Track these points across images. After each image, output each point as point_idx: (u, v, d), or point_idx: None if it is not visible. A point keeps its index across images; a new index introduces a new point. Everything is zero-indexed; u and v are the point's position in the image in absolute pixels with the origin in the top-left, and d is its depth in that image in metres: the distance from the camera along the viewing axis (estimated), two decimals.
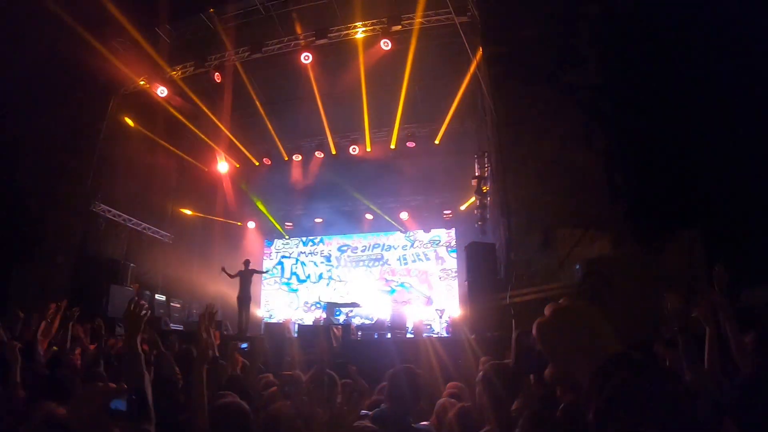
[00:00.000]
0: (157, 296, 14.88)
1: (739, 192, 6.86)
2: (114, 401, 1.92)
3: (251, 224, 19.60)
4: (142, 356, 2.89)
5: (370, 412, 3.62)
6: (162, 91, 13.62)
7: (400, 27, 12.01)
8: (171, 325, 13.95)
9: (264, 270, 16.97)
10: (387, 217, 18.39)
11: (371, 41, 12.40)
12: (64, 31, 10.32)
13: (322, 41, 12.48)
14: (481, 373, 3.74)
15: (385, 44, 12.18)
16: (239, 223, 19.54)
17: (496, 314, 10.26)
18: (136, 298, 3.14)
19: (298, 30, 12.43)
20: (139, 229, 15.66)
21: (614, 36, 8.11)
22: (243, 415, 3.01)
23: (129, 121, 14.38)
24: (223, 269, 13.88)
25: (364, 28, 12.32)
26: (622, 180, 8.02)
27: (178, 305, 15.45)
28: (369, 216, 18.77)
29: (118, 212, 14.62)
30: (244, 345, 10.87)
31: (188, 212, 17.23)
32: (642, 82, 7.93)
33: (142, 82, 13.55)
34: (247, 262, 14.23)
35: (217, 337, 5.50)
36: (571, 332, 1.18)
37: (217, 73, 13.53)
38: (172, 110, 14.31)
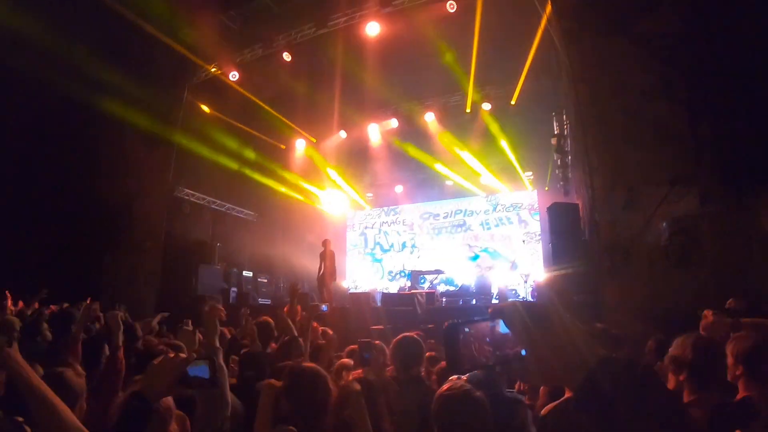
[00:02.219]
0: (244, 273, 15.56)
1: None
2: (192, 368, 1.97)
3: (331, 197, 19.87)
4: (221, 351, 3.27)
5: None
6: (234, 76, 13.96)
7: None
8: (259, 300, 14.60)
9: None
10: (467, 182, 18.16)
11: (435, 6, 12.09)
12: (134, 29, 10.77)
13: (387, 10, 12.30)
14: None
15: (451, 6, 11.85)
16: (320, 196, 19.86)
17: (582, 277, 10.01)
18: (213, 303, 3.31)
19: (362, 1, 12.31)
20: (223, 209, 16.34)
21: None
22: (320, 379, 3.03)
23: (205, 108, 14.95)
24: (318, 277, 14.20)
25: None
26: (708, 132, 7.46)
27: (265, 280, 16.09)
28: (449, 182, 18.62)
29: (201, 195, 15.32)
30: (325, 307, 11.28)
31: (269, 191, 17.72)
32: (721, 28, 7.29)
33: (213, 69, 13.95)
34: (325, 242, 14.55)
35: (299, 312, 5.66)
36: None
37: (285, 53, 13.71)
38: (244, 93, 14.66)
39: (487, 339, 1.28)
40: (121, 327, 3.99)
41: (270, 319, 5.75)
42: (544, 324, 1.14)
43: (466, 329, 1.28)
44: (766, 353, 2.70)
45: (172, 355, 1.99)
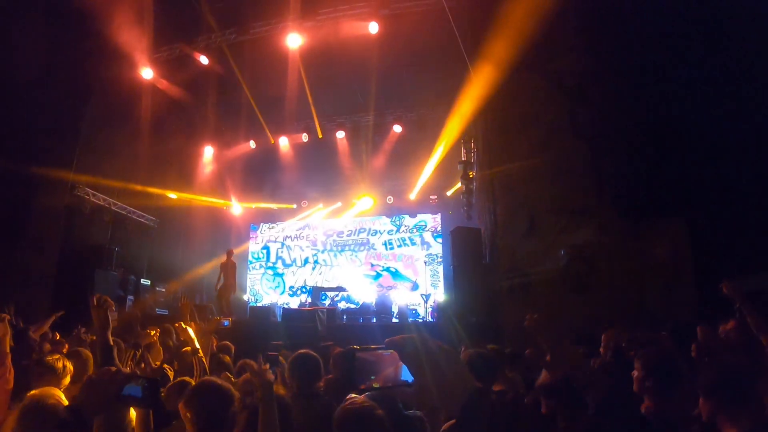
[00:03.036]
0: (142, 281, 14.80)
1: (724, 181, 6.94)
2: (128, 388, 1.91)
3: (236, 208, 19.48)
4: (115, 349, 3.06)
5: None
6: (148, 73, 13.38)
7: (387, 10, 11.90)
8: (157, 309, 13.93)
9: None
10: (373, 201, 18.37)
11: (359, 25, 12.25)
12: (45, 7, 10.11)
13: (309, 23, 12.34)
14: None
15: (373, 27, 12.07)
16: (224, 206, 19.42)
17: (481, 299, 10.39)
18: (99, 295, 3.04)
19: (286, 12, 12.25)
20: (124, 213, 15.49)
21: (601, 24, 8.10)
22: (225, 393, 2.98)
23: (115, 104, 14.08)
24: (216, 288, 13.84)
25: (352, 11, 12.18)
26: (608, 167, 8.07)
27: (163, 290, 15.38)
28: (355, 200, 18.75)
29: (103, 196, 14.44)
30: (226, 323, 10.95)
31: (173, 196, 17.03)
32: (628, 70, 7.95)
33: (127, 64, 13.31)
34: (229, 253, 14.21)
35: (194, 328, 5.47)
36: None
37: (203, 55, 13.34)
38: (157, 92, 14.08)
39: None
40: (8, 332, 3.71)
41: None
42: (430, 361, 1.32)
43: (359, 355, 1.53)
44: (672, 363, 2.92)
45: (113, 369, 1.98)
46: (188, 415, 2.76)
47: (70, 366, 3.76)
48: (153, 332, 5.43)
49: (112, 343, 3.12)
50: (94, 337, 5.65)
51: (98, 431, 2.62)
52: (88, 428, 1.79)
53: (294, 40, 12.49)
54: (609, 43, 8.04)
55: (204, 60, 13.45)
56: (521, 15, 8.20)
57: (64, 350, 5.14)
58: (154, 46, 13.11)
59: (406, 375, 1.54)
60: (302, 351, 4.27)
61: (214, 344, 5.66)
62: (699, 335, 3.84)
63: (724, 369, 2.47)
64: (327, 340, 8.76)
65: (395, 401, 3.03)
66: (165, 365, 4.43)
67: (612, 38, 8.03)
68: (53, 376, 3.56)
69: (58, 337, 5.74)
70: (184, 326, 4.60)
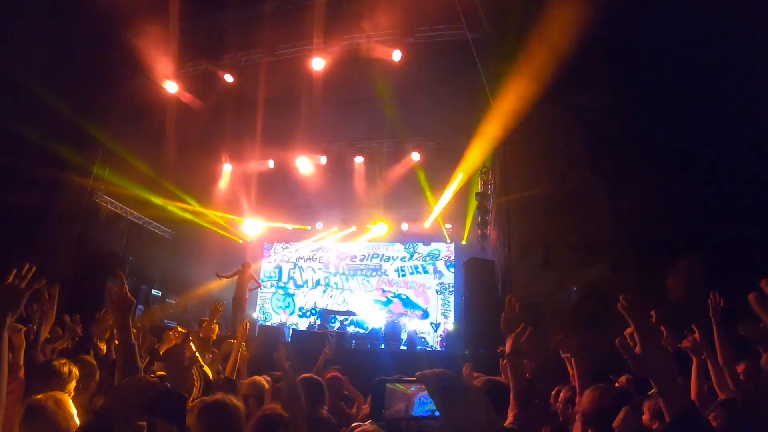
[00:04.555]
0: (153, 291, 14.88)
1: (742, 223, 6.87)
2: (158, 400, 1.82)
3: (251, 226, 19.54)
4: (136, 347, 2.63)
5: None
6: (172, 87, 13.61)
7: (412, 39, 12.05)
8: (165, 321, 13.95)
9: (259, 283, 16.48)
10: (388, 227, 18.36)
11: (382, 52, 12.40)
12: (75, 15, 10.32)
13: (334, 48, 12.51)
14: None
15: (397, 55, 12.21)
16: (239, 223, 19.51)
17: (492, 331, 10.26)
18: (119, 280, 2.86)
19: (312, 36, 12.45)
20: (139, 222, 15.64)
21: (626, 60, 8.14)
22: (233, 412, 2.96)
23: (138, 115, 14.33)
24: (218, 274, 13.95)
25: (376, 38, 12.35)
26: (626, 204, 8.03)
27: (173, 302, 15.44)
28: (369, 225, 18.75)
29: (121, 204, 14.63)
30: None
31: (190, 210, 17.18)
32: (649, 107, 7.95)
33: (153, 77, 13.55)
34: (245, 264, 14.30)
35: (215, 332, 5.46)
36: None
37: (228, 74, 13.56)
38: (179, 108, 14.30)
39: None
40: (24, 345, 3.81)
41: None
42: (457, 398, 1.35)
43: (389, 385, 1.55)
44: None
45: (143, 377, 1.91)
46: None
47: (76, 371, 3.78)
48: (173, 334, 5.40)
49: (134, 341, 2.71)
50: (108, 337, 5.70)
51: None
52: None
53: (318, 64, 12.65)
54: (630, 79, 8.07)
55: (229, 78, 13.67)
56: (544, 48, 8.26)
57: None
58: (180, 61, 13.36)
59: (417, 410, 1.56)
60: (306, 375, 4.26)
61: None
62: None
63: None
64: (335, 364, 8.71)
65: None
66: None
67: (634, 74, 8.06)
68: (59, 380, 3.58)
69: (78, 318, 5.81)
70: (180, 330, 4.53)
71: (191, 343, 4.28)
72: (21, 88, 10.53)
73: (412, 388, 1.58)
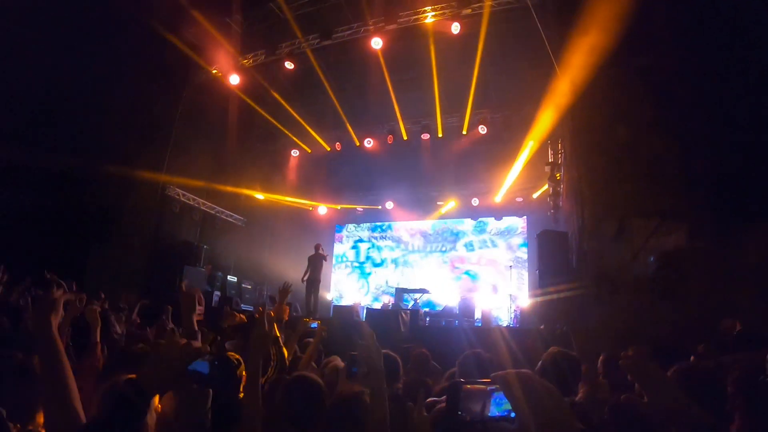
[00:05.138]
0: (229, 277, 15.46)
1: None
2: (196, 363, 1.78)
3: (322, 209, 19.91)
4: (199, 334, 2.90)
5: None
6: (234, 79, 13.95)
7: (470, 10, 11.75)
8: (242, 305, 14.47)
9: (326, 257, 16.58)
10: (457, 203, 18.21)
11: (441, 25, 12.20)
12: (138, 24, 10.73)
13: (391, 26, 12.41)
14: (540, 363, 3.70)
15: (455, 28, 11.97)
16: (310, 208, 19.91)
17: (567, 303, 10.04)
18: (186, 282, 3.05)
19: (368, 16, 12.41)
20: (212, 212, 16.25)
21: (691, 18, 7.62)
22: (317, 389, 3.04)
23: (203, 109, 14.86)
24: (302, 280, 14.20)
25: (433, 12, 12.15)
26: (699, 168, 7.58)
27: (249, 286, 15.98)
28: (440, 202, 18.65)
29: (192, 196, 15.26)
30: (314, 324, 11.19)
31: (260, 197, 17.66)
32: (719, 66, 7.43)
33: (214, 71, 13.95)
34: (317, 246, 14.56)
35: (287, 312, 5.58)
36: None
37: (288, 61, 13.75)
38: (244, 97, 14.66)
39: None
40: (99, 323, 3.94)
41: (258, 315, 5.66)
42: (534, 399, 1.33)
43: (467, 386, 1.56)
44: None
45: (183, 341, 1.80)
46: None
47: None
48: (237, 316, 5.56)
49: (196, 328, 3.02)
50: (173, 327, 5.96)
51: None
52: (146, 404, 1.65)
53: (376, 43, 12.60)
54: (697, 37, 7.55)
55: (289, 65, 13.85)
56: (607, 9, 7.86)
57: (149, 336, 5.47)
58: (240, 53, 13.67)
59: (494, 410, 1.56)
60: (383, 351, 4.29)
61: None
62: None
63: None
64: (410, 342, 8.78)
65: None
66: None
67: (700, 31, 7.54)
68: (138, 365, 3.75)
69: (139, 321, 6.06)
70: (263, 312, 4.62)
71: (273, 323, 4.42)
72: (89, 89, 11.12)
73: (489, 388, 1.55)
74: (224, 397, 3.03)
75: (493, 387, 1.52)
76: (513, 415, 1.44)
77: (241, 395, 2.77)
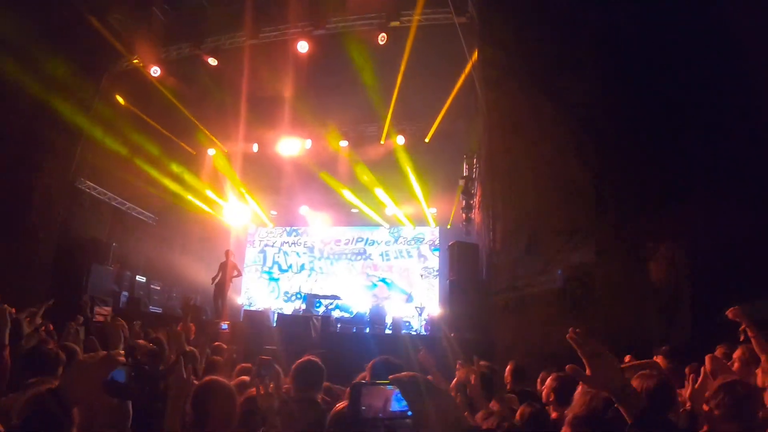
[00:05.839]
0: (137, 277, 14.76)
1: (724, 206, 6.95)
2: (114, 372, 1.79)
3: (235, 211, 19.44)
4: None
5: None
6: (155, 71, 13.38)
7: (398, 23, 11.93)
8: (150, 307, 13.89)
9: (240, 272, 16.21)
10: (372, 211, 18.37)
11: (368, 34, 12.30)
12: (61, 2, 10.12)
13: (319, 32, 12.37)
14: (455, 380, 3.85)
15: (382, 39, 12.11)
16: (224, 208, 19.39)
17: (477, 315, 10.37)
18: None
19: (296, 18, 12.31)
20: (123, 208, 15.45)
21: (614, 46, 8.14)
22: (228, 393, 2.99)
23: (120, 99, 14.17)
24: (212, 280, 13.88)
25: (362, 21, 12.22)
26: (610, 189, 8.08)
27: (159, 288, 15.34)
28: (354, 209, 18.74)
29: (103, 190, 14.43)
30: (225, 326, 10.93)
31: (172, 194, 17.00)
32: (636, 94, 7.98)
33: (135, 61, 13.33)
34: (227, 252, 14.26)
35: (193, 330, 5.46)
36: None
37: (211, 57, 13.36)
38: (163, 91, 14.10)
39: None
40: (9, 324, 3.68)
41: (162, 337, 5.45)
42: (427, 399, 1.51)
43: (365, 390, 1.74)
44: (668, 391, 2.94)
45: (103, 353, 1.84)
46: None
47: (63, 356, 3.73)
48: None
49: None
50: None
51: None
52: (68, 416, 1.64)
53: (302, 47, 12.51)
54: (616, 62, 8.08)
55: (212, 61, 13.48)
56: (529, 31, 8.24)
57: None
58: (163, 45, 13.15)
59: (395, 406, 1.69)
60: (309, 358, 4.27)
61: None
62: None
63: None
64: (320, 348, 8.74)
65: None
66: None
67: (619, 58, 8.06)
68: (48, 365, 3.54)
69: (51, 328, 5.71)
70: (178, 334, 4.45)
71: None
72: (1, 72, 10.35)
73: (389, 387, 1.69)
74: (144, 410, 2.95)
75: (390, 387, 1.68)
76: (410, 413, 1.61)
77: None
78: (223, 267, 13.97)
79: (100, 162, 13.62)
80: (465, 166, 15.15)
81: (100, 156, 13.54)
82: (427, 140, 15.81)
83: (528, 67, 8.75)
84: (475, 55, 10.84)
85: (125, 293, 13.78)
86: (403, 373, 1.63)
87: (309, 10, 12.15)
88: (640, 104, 7.88)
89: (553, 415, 3.61)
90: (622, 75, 8.08)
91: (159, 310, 13.92)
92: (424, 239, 18.30)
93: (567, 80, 8.39)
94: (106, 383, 1.75)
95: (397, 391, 1.65)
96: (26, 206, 11.57)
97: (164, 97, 14.20)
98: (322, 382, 4.26)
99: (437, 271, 17.47)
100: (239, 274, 15.30)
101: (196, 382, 3.41)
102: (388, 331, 13.76)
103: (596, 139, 8.17)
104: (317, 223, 19.63)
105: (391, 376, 1.64)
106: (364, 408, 1.70)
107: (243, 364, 5.06)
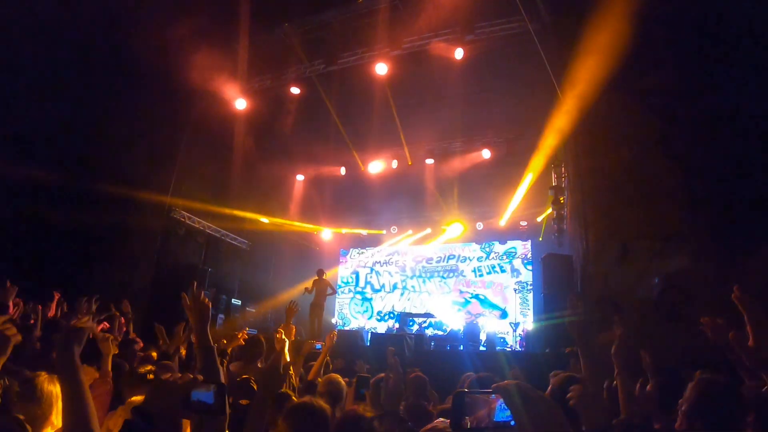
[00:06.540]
0: (233, 301, 15.42)
1: None
2: (196, 393, 1.84)
3: (326, 233, 19.98)
4: (214, 349, 2.69)
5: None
6: (240, 104, 14.03)
7: (473, 36, 11.87)
8: (247, 329, 14.43)
9: (334, 290, 16.22)
10: (463, 227, 18.22)
11: (445, 50, 12.30)
12: (147, 41, 10.82)
13: (396, 52, 12.53)
14: (549, 388, 3.68)
15: (459, 53, 12.07)
16: (315, 232, 19.97)
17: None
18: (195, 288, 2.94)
19: (373, 41, 12.54)
20: (217, 235, 16.24)
21: (691, 38, 7.68)
22: (321, 415, 3.00)
23: (210, 133, 14.91)
24: (306, 289, 14.23)
25: (437, 38, 12.26)
26: (702, 191, 7.57)
27: (253, 310, 15.94)
28: (444, 227, 18.68)
29: (197, 219, 15.27)
30: (319, 346, 11.15)
31: (265, 220, 17.70)
32: (720, 85, 7.46)
33: (221, 96, 14.06)
34: (320, 272, 14.58)
35: (294, 332, 5.59)
36: None
37: (294, 86, 13.87)
38: (250, 122, 14.77)
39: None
40: (112, 353, 4.13)
41: (261, 337, 5.71)
42: (532, 408, 1.44)
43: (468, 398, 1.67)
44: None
45: (179, 375, 1.90)
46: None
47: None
48: (240, 335, 5.56)
49: (211, 343, 2.73)
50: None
51: None
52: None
53: (381, 69, 12.69)
54: (696, 57, 7.60)
55: (295, 90, 13.97)
56: (608, 33, 7.94)
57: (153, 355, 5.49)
58: (246, 77, 13.78)
59: (499, 416, 1.63)
60: (417, 373, 4.31)
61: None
62: None
63: None
64: (414, 366, 8.71)
65: None
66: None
67: (698, 51, 7.58)
68: (144, 386, 3.76)
69: (141, 346, 6.07)
70: (282, 336, 4.52)
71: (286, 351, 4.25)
72: (100, 109, 11.25)
73: (492, 396, 1.64)
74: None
75: (494, 396, 1.61)
76: (513, 423, 1.51)
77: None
78: (316, 287, 14.29)
79: (194, 192, 14.36)
80: (553, 175, 14.71)
81: (194, 187, 14.31)
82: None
83: (610, 69, 8.41)
84: (554, 61, 10.59)
85: (221, 316, 14.40)
86: (506, 381, 1.57)
87: (383, 34, 12.32)
88: (728, 99, 7.35)
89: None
90: (702, 65, 7.58)
91: (255, 332, 14.43)
92: (516, 253, 17.87)
93: (650, 80, 7.99)
94: (189, 403, 1.82)
95: (501, 400, 1.59)
96: (125, 235, 12.42)
97: (251, 127, 14.90)
98: (402, 397, 4.30)
99: (531, 285, 16.98)
100: (333, 292, 15.60)
101: (295, 399, 3.49)
102: (482, 348, 13.50)
103: (684, 138, 7.71)
104: (408, 243, 19.72)
105: (494, 385, 1.58)
106: (467, 417, 1.65)
107: (332, 375, 5.14)
